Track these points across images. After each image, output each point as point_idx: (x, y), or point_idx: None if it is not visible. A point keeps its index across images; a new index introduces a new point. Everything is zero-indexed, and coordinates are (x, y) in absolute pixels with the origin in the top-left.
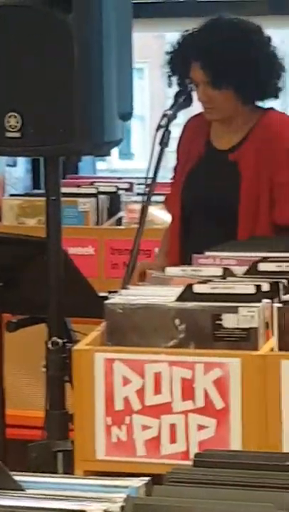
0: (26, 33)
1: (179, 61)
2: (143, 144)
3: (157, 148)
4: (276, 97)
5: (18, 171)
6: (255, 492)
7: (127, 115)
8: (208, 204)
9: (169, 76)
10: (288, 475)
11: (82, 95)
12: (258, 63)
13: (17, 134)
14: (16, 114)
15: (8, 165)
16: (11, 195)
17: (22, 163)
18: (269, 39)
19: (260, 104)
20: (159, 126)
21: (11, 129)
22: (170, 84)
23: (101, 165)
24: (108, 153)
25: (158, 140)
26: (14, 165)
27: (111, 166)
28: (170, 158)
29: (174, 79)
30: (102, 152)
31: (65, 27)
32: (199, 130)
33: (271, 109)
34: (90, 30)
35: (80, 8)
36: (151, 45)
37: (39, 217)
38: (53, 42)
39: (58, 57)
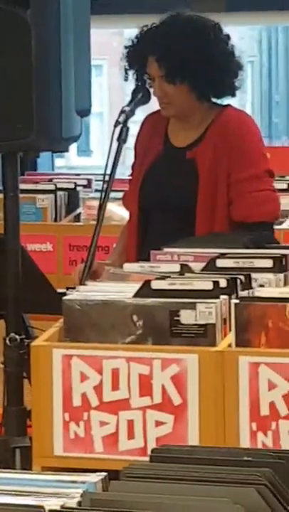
0: None
1: (136, 55)
2: (102, 141)
3: (115, 144)
4: (233, 95)
5: None
6: (211, 487)
7: (85, 111)
8: (166, 201)
9: (126, 70)
10: (245, 470)
11: (40, 91)
12: (213, 60)
13: None
14: None
15: None
16: None
17: None
18: (228, 37)
19: (218, 101)
20: (117, 123)
21: None
22: (126, 78)
23: (59, 162)
24: (66, 149)
25: (116, 136)
26: None
27: (69, 162)
28: (128, 155)
29: (131, 73)
30: (61, 148)
31: (23, 23)
32: (157, 127)
33: (229, 106)
34: (47, 27)
35: (38, 4)
36: (110, 41)
37: None
38: (11, 38)
39: (16, 53)
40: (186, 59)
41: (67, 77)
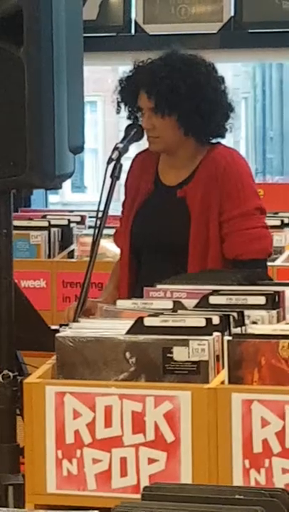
0: None
1: (129, 88)
2: (96, 177)
3: (108, 181)
4: (222, 136)
5: None
6: None
7: (78, 148)
8: (158, 240)
9: (118, 102)
10: (237, 508)
11: (33, 129)
12: (203, 96)
13: None
14: None
15: None
16: None
17: None
18: (221, 78)
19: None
20: (110, 160)
21: None
22: (118, 111)
23: (53, 198)
24: (59, 187)
25: (109, 173)
26: None
27: (63, 198)
28: (122, 191)
29: (122, 106)
30: (53, 185)
31: (16, 60)
32: (147, 165)
33: (218, 143)
34: (40, 64)
35: (31, 41)
36: (105, 78)
37: None
38: (4, 75)
39: (9, 91)
40: (175, 92)
41: (60, 114)
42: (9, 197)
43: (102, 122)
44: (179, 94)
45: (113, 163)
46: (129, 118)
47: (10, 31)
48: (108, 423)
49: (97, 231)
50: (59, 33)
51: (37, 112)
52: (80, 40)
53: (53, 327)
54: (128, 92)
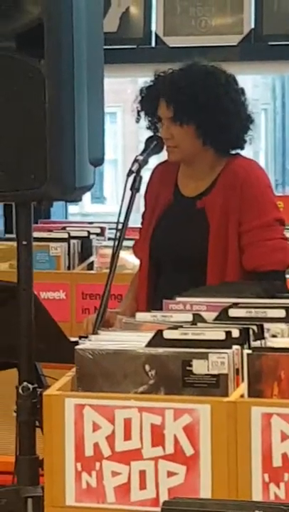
0: None
1: (149, 97)
2: (115, 188)
3: (128, 193)
4: (241, 148)
5: None
6: None
7: (98, 161)
8: (177, 252)
9: (138, 111)
10: None
11: (53, 141)
12: (222, 106)
13: None
14: None
15: None
16: None
17: None
18: (242, 90)
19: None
20: (130, 172)
21: None
22: (138, 120)
23: (73, 209)
24: (79, 199)
25: (129, 185)
26: None
27: (83, 209)
28: (141, 203)
29: (142, 115)
30: (74, 197)
31: (37, 73)
32: (167, 177)
33: (238, 155)
34: (61, 77)
35: (52, 54)
36: (125, 89)
37: (11, 261)
38: (25, 87)
39: (30, 103)
40: (194, 101)
41: (80, 127)
42: (29, 209)
43: (122, 133)
44: (197, 104)
45: (133, 175)
46: (148, 128)
47: (31, 44)
48: (127, 436)
49: (117, 243)
50: (80, 45)
51: (57, 125)
52: (101, 53)
53: (72, 339)
54: (148, 101)
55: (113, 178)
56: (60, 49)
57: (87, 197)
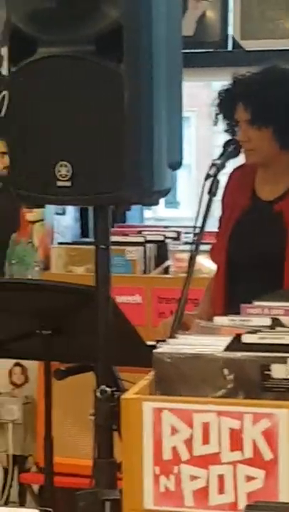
0: (77, 82)
1: (227, 101)
2: (189, 193)
3: (206, 197)
4: None
5: (66, 220)
6: None
7: (176, 164)
8: (254, 256)
9: (216, 115)
10: None
11: (132, 144)
12: None
13: (67, 183)
14: (66, 164)
15: (57, 213)
16: (60, 243)
17: (70, 211)
18: None
19: None
20: (208, 176)
21: (61, 178)
22: (215, 123)
23: (147, 213)
24: (157, 203)
25: (206, 189)
26: (63, 213)
27: (156, 214)
28: (218, 207)
29: (220, 118)
30: (151, 201)
31: (116, 76)
32: (244, 180)
33: None
34: (140, 80)
35: (131, 57)
36: (199, 94)
37: (87, 265)
38: (104, 91)
39: (109, 107)
40: (272, 104)
41: (159, 130)
42: (107, 213)
43: (196, 138)
44: (275, 107)
45: (211, 179)
46: (226, 131)
47: (110, 48)
48: (206, 440)
49: (194, 247)
50: (159, 48)
51: (136, 128)
52: (180, 56)
53: (149, 343)
54: (226, 104)
55: (187, 183)
56: (139, 52)
57: (160, 201)
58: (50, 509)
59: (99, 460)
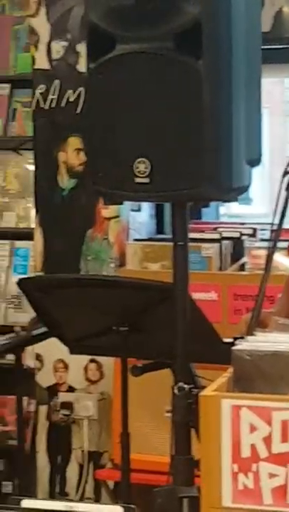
0: (155, 78)
1: None
2: (262, 190)
3: (283, 193)
4: None
5: (142, 216)
6: None
7: (255, 161)
8: None
9: None
10: None
11: (211, 141)
12: None
13: (146, 180)
14: (145, 160)
15: (133, 210)
16: (135, 239)
17: (146, 208)
18: None
19: None
20: (286, 172)
21: (139, 175)
22: None
23: (221, 209)
24: (235, 199)
25: (284, 186)
26: (138, 210)
27: (230, 210)
28: None
29: None
30: (230, 198)
31: (195, 72)
32: None
33: None
34: (219, 76)
35: (211, 53)
36: (271, 90)
37: (162, 261)
38: (182, 87)
39: (187, 103)
40: None
41: (238, 126)
42: (185, 210)
43: (268, 135)
44: None
45: (288, 176)
46: None
47: (189, 44)
48: (285, 438)
49: (271, 244)
50: (238, 45)
51: (215, 124)
52: (259, 53)
53: (225, 340)
54: None
55: (260, 179)
56: (219, 49)
57: None
58: (134, 506)
59: (176, 457)
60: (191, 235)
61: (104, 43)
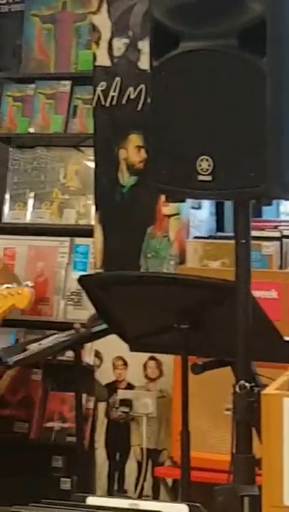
0: (218, 76)
1: None
2: None
3: None
4: None
5: (202, 214)
6: None
7: None
8: None
9: None
10: None
11: (274, 139)
12: None
13: (208, 178)
14: (208, 158)
15: (193, 207)
16: (195, 237)
17: (206, 205)
18: None
19: None
20: None
21: (202, 173)
22: None
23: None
24: None
25: None
26: (199, 207)
27: (287, 209)
28: None
29: None
30: None
31: (258, 70)
32: None
33: None
34: (283, 74)
35: (275, 52)
36: None
37: (223, 259)
38: (245, 85)
39: (250, 101)
40: None
41: None
42: (248, 207)
43: None
44: None
45: None
46: None
47: (253, 42)
48: None
49: None
50: None
51: (278, 122)
52: None
53: (286, 338)
54: None
55: None
56: (283, 46)
57: None
58: (199, 504)
59: (237, 455)
60: (252, 233)
61: (167, 41)
